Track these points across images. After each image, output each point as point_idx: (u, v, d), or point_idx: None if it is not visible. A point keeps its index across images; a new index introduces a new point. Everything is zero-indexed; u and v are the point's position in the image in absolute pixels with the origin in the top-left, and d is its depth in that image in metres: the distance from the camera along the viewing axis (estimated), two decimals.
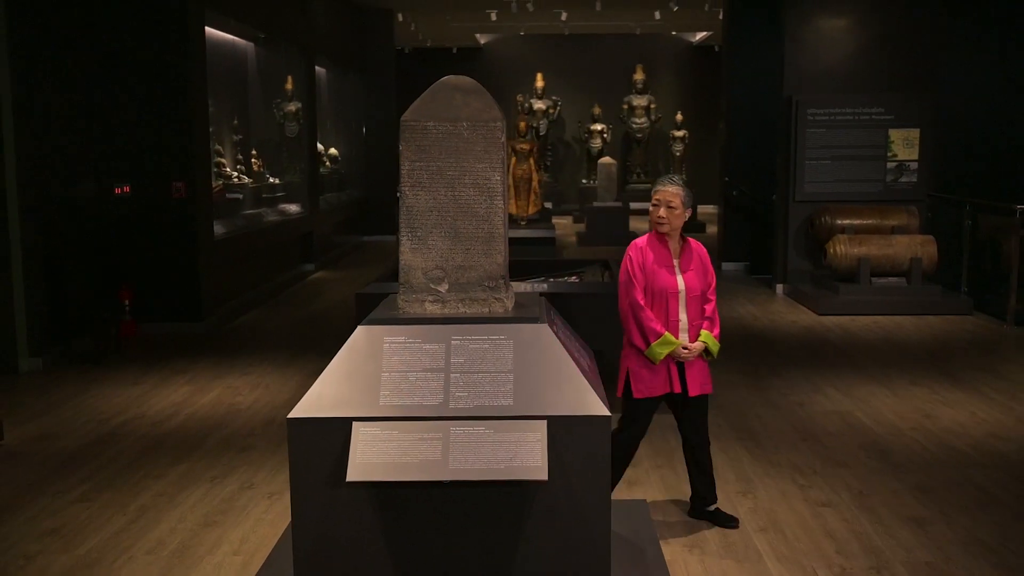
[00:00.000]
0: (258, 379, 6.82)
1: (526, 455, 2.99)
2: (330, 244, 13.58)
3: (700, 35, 20.85)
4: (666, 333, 3.97)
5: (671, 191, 4.00)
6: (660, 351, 3.95)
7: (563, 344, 3.28)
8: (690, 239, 4.14)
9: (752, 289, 10.91)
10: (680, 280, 4.03)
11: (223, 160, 11.05)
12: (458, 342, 3.20)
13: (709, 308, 4.09)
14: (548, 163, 20.73)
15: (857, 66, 10.12)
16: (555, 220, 18.78)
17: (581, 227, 16.25)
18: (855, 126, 9.99)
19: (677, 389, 4.06)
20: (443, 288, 3.37)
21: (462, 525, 3.09)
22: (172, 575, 3.78)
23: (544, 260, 7.76)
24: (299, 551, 3.10)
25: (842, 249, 9.10)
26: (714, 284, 4.13)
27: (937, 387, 6.53)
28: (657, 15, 15.99)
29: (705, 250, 4.18)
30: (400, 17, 16.68)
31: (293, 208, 12.33)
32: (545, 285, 6.40)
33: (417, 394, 3.10)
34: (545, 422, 3.04)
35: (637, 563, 3.61)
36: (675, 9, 15.22)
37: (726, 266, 12.38)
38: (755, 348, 7.79)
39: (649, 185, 19.46)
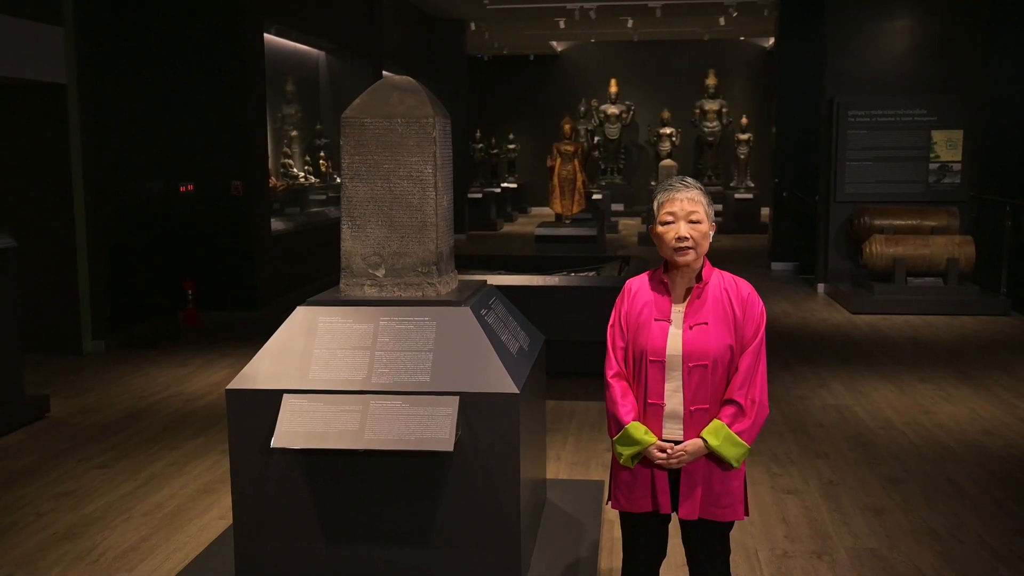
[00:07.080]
0: None
1: (436, 428, 3.22)
2: None
3: (772, 40, 20.60)
4: (630, 424, 2.57)
5: (690, 197, 2.54)
6: (623, 451, 2.60)
7: (487, 327, 3.50)
8: (721, 274, 2.63)
9: (795, 288, 10.83)
10: (675, 340, 2.56)
11: (290, 161, 11.63)
12: (386, 323, 3.46)
13: (736, 382, 2.55)
14: (621, 166, 20.83)
15: (900, 68, 9.96)
16: (623, 221, 18.88)
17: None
18: (897, 127, 9.82)
19: (665, 508, 2.61)
20: (380, 273, 3.64)
21: (382, 491, 3.34)
22: (159, 533, 4.16)
23: (571, 256, 8.03)
24: (237, 511, 3.42)
25: (878, 249, 8.96)
26: (755, 346, 2.60)
27: (945, 384, 6.44)
28: (722, 21, 15.97)
29: (750, 290, 2.64)
30: (472, 26, 17.06)
31: None
32: (556, 279, 6.64)
33: (343, 370, 3.37)
34: (457, 398, 3.26)
35: (569, 538, 3.77)
36: (734, 15, 15.17)
37: (776, 266, 12.37)
38: (777, 345, 7.77)
39: (719, 188, 18.90)
